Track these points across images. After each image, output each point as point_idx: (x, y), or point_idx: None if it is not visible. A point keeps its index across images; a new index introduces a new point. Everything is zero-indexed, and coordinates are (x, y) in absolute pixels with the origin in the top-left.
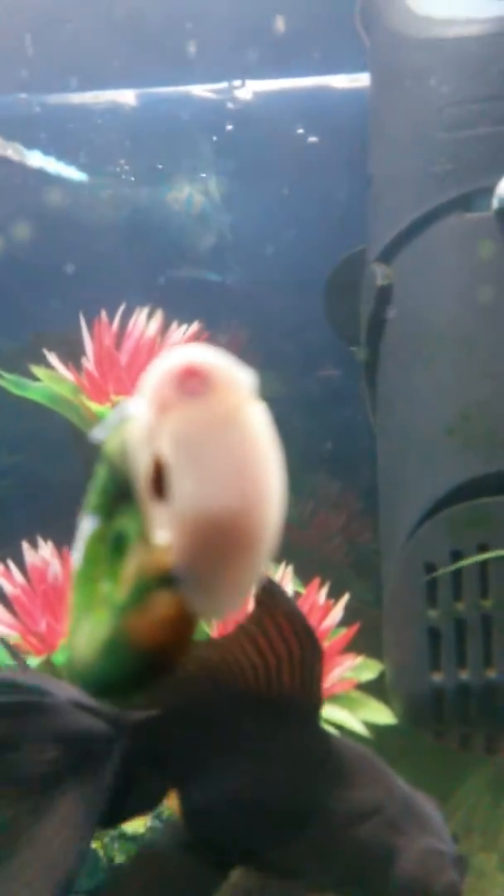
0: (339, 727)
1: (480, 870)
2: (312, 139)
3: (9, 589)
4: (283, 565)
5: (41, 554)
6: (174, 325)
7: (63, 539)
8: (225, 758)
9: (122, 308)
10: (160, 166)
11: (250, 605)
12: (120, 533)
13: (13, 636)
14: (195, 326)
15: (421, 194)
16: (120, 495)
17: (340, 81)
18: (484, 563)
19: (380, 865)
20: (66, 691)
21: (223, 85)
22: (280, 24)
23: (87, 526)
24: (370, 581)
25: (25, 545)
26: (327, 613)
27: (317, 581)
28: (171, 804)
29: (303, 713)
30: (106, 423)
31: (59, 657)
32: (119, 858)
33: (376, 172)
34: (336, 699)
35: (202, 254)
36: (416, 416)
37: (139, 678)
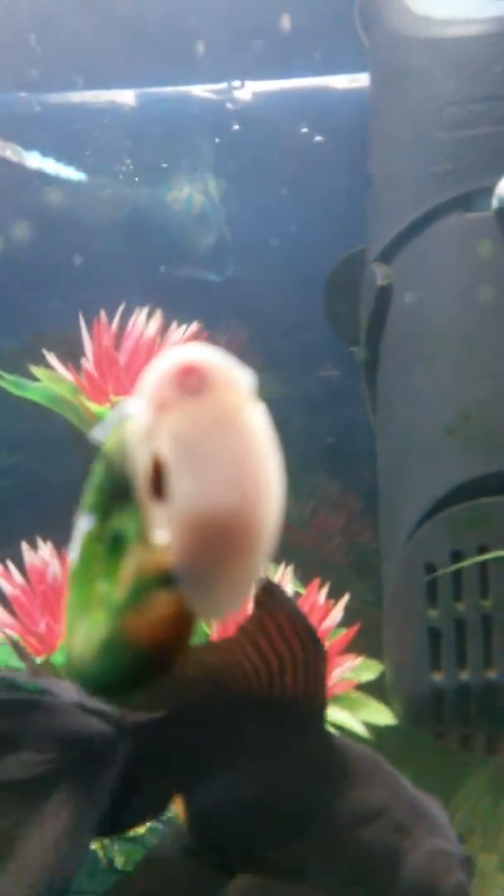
0: (339, 728)
1: (481, 871)
2: (317, 139)
3: (8, 589)
4: (282, 565)
5: (40, 554)
6: (174, 325)
7: (63, 539)
8: (229, 761)
9: (121, 308)
10: (164, 165)
11: (251, 607)
12: (117, 532)
13: (12, 637)
14: (194, 326)
15: (421, 194)
16: (117, 494)
17: (340, 82)
18: (484, 564)
19: (385, 867)
20: (70, 692)
21: (223, 85)
22: (280, 24)
23: (83, 525)
24: (370, 581)
25: (25, 546)
26: (327, 614)
27: (317, 581)
28: (175, 809)
29: (307, 715)
30: (105, 422)
31: (59, 657)
32: (119, 860)
33: (376, 172)
34: (336, 700)
35: (202, 253)
36: (416, 416)
37: (137, 678)
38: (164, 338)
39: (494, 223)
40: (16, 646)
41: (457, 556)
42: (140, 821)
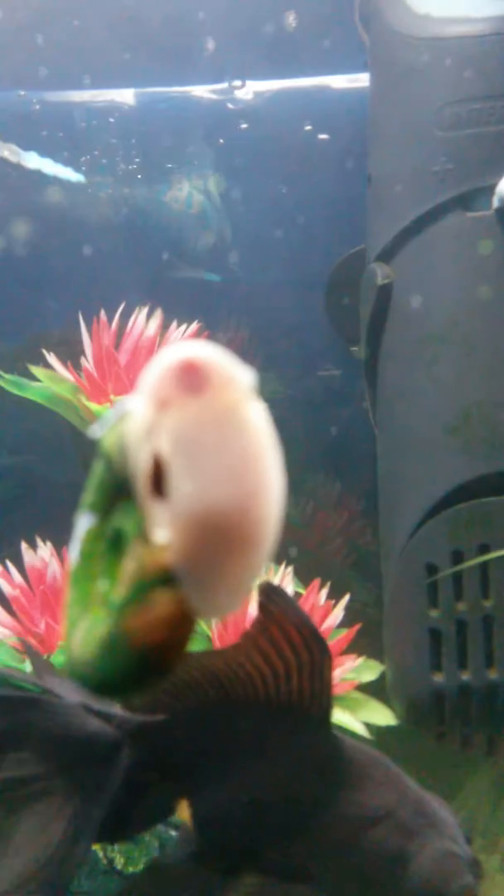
0: (340, 728)
1: (482, 871)
2: (322, 137)
3: (8, 590)
4: (283, 566)
5: (40, 555)
6: (174, 324)
7: (63, 539)
8: (236, 764)
9: (121, 308)
10: (169, 165)
11: (256, 613)
12: (117, 530)
13: (12, 637)
14: (195, 326)
15: (421, 193)
16: (117, 492)
17: (340, 81)
18: (485, 564)
19: (393, 869)
20: (74, 693)
21: (223, 85)
22: (281, 23)
23: (83, 523)
24: (371, 582)
25: (24, 546)
26: (328, 614)
27: (317, 582)
28: (181, 814)
29: (313, 717)
30: (104, 419)
31: (58, 658)
32: (119, 860)
33: (376, 171)
34: (337, 700)
35: (201, 253)
36: (417, 415)
37: (137, 677)
38: (164, 337)
39: (494, 222)
40: (24, 643)
41: (457, 557)
42: (147, 826)
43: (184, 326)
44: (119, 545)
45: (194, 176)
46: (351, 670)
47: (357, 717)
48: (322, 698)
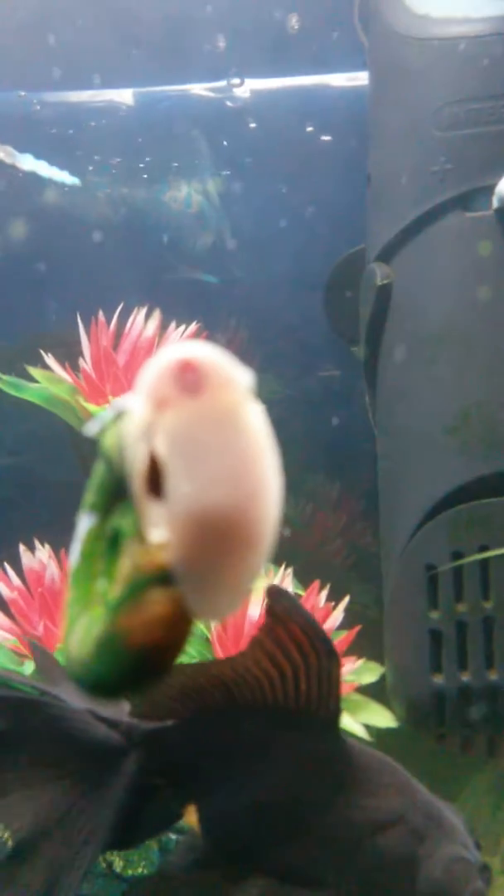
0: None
1: None
2: (324, 138)
3: (6, 592)
4: (282, 567)
5: (38, 557)
6: (172, 325)
7: (61, 541)
8: (244, 769)
9: (119, 308)
10: (175, 164)
11: (263, 615)
12: (117, 530)
13: (10, 639)
14: (193, 326)
15: (420, 193)
16: (117, 492)
17: (339, 80)
18: (485, 565)
19: (403, 874)
20: (80, 698)
21: (222, 83)
22: (280, 22)
23: (84, 523)
24: (371, 583)
25: (22, 548)
26: (328, 616)
27: (316, 584)
28: (188, 819)
29: (321, 722)
30: (100, 417)
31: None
32: (118, 864)
33: (375, 171)
34: None
35: (200, 253)
36: (416, 416)
37: (133, 677)
38: (162, 338)
39: (494, 222)
40: (31, 643)
41: (457, 557)
42: (155, 832)
43: (182, 327)
44: (118, 545)
45: (193, 175)
46: (351, 672)
47: (357, 719)
48: (330, 702)
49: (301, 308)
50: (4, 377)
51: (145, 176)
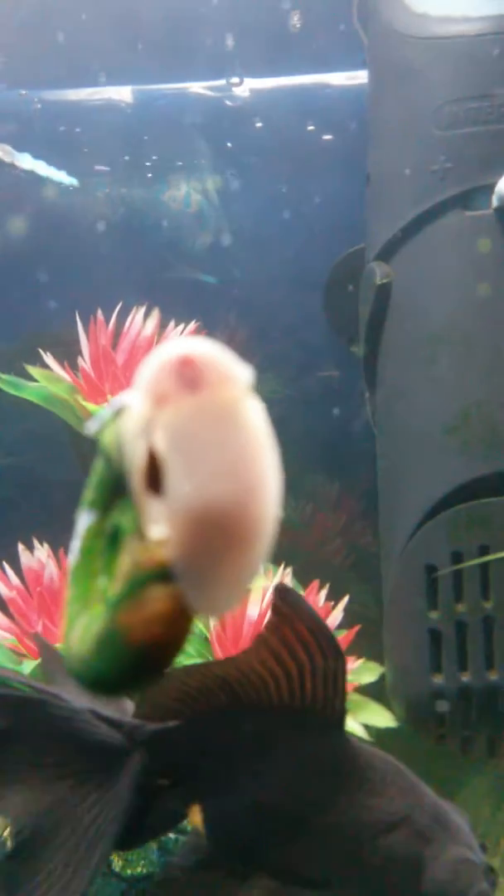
0: None
1: None
2: (324, 137)
3: (4, 591)
4: (282, 567)
5: (37, 556)
6: (171, 324)
7: (60, 540)
8: (249, 769)
9: (118, 307)
10: (179, 163)
11: (269, 614)
12: (116, 527)
13: (9, 639)
14: (193, 325)
15: (420, 192)
16: (116, 489)
17: (338, 79)
18: (485, 565)
19: (408, 875)
20: (83, 698)
21: (221, 82)
22: (280, 21)
23: (84, 520)
24: (370, 583)
25: (21, 547)
26: (327, 616)
27: (316, 583)
28: (193, 819)
29: (327, 722)
30: (99, 415)
31: None
32: (117, 863)
33: (375, 170)
34: None
35: (200, 252)
36: (416, 415)
37: (133, 674)
38: (161, 337)
39: (494, 221)
40: (39, 640)
41: (457, 557)
42: (159, 832)
43: (181, 326)
44: (117, 542)
45: (192, 175)
46: (350, 672)
47: (357, 719)
48: (336, 702)
49: (301, 308)
50: (3, 376)
51: (145, 175)
